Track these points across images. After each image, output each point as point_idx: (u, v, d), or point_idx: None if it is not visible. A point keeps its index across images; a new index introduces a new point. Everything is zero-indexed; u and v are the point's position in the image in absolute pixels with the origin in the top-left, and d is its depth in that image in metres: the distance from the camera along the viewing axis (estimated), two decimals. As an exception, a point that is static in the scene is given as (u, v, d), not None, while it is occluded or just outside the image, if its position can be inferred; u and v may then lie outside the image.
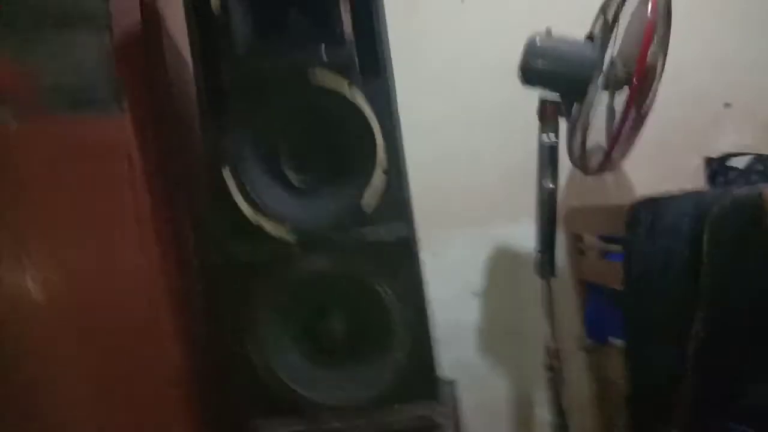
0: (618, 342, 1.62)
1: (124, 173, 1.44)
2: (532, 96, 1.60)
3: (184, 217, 1.51)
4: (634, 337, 1.41)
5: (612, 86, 1.55)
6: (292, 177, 1.40)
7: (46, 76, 1.45)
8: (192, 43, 1.39)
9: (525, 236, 1.80)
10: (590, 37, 1.64)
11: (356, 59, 1.34)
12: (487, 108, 1.96)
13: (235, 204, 1.35)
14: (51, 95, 1.44)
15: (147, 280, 1.45)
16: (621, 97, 1.52)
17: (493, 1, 1.96)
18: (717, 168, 1.92)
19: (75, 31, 1.46)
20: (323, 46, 1.33)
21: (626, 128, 1.44)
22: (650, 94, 1.53)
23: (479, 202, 1.96)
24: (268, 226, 1.35)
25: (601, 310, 1.74)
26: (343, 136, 1.36)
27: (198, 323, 1.54)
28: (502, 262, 1.98)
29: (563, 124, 1.63)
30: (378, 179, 1.34)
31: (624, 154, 1.60)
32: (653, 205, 1.32)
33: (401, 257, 1.36)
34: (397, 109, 1.37)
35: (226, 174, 1.35)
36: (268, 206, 1.36)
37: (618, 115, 1.45)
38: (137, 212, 1.45)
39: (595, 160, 1.58)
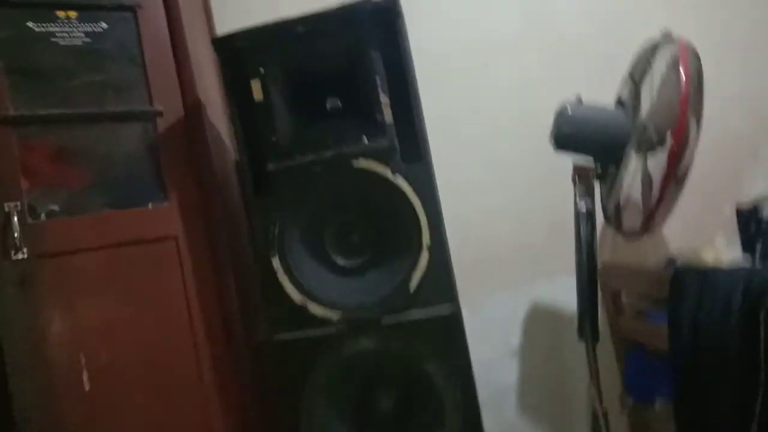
0: (665, 401, 1.62)
1: (172, 258, 1.48)
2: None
3: (233, 299, 1.54)
4: (688, 398, 1.41)
5: (645, 149, 1.57)
6: (338, 260, 1.43)
7: (95, 167, 1.51)
8: (235, 134, 1.43)
9: (564, 294, 1.81)
10: (619, 101, 1.66)
11: (397, 145, 1.37)
12: (523, 167, 1.96)
13: (283, 288, 1.39)
14: (99, 188, 1.50)
15: (195, 357, 1.49)
16: (654, 159, 1.53)
17: (520, 63, 1.99)
18: (748, 217, 1.92)
19: (121, 124, 1.52)
20: (365, 133, 1.37)
21: (667, 194, 1.45)
22: (686, 156, 1.55)
23: (518, 260, 1.96)
24: (316, 309, 1.38)
25: (644, 368, 1.74)
26: (387, 219, 1.40)
27: (246, 400, 1.56)
28: (542, 320, 1.97)
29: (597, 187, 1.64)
30: (423, 260, 1.36)
31: (664, 218, 1.61)
32: (700, 276, 1.33)
33: (448, 336, 1.38)
34: (437, 190, 1.40)
35: (274, 260, 1.39)
36: (315, 289, 1.39)
37: (657, 182, 1.46)
38: (186, 294, 1.49)
39: (632, 224, 1.59)
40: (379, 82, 1.37)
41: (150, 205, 1.47)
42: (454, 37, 1.96)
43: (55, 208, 1.48)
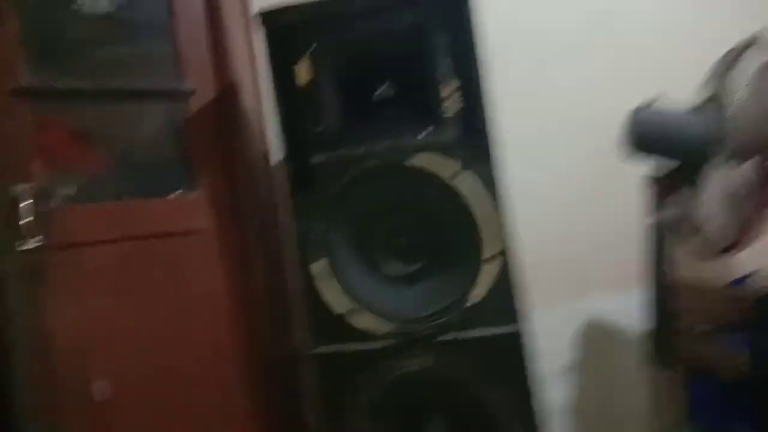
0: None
1: (198, 254, 1.33)
2: (628, 162, 1.47)
3: (263, 304, 1.39)
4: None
5: (729, 159, 1.41)
6: (388, 267, 1.27)
7: (116, 150, 1.36)
8: (277, 120, 1.27)
9: (620, 311, 1.66)
10: (699, 106, 1.50)
11: (461, 140, 1.21)
12: (580, 172, 1.81)
13: (323, 295, 1.23)
14: (120, 173, 1.35)
15: (217, 366, 1.34)
16: (739, 170, 1.38)
17: (579, 63, 1.83)
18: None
19: (148, 103, 1.37)
20: (423, 127, 1.22)
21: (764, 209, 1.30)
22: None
23: (573, 273, 1.80)
24: (361, 321, 1.23)
25: (714, 396, 1.58)
26: (446, 225, 1.24)
27: (274, 417, 1.41)
28: (596, 337, 1.82)
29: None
30: (485, 274, 1.20)
31: (758, 235, 1.45)
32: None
33: (510, 361, 1.22)
34: (504, 197, 1.24)
35: (315, 264, 1.23)
36: (360, 299, 1.23)
37: (750, 197, 1.30)
38: (211, 295, 1.33)
39: (718, 241, 1.43)
40: (442, 69, 1.21)
41: (175, 195, 1.32)
42: (512, 28, 1.79)
43: (71, 192, 1.33)
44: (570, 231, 1.79)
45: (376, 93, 1.27)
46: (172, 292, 1.30)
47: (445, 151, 1.21)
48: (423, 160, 1.21)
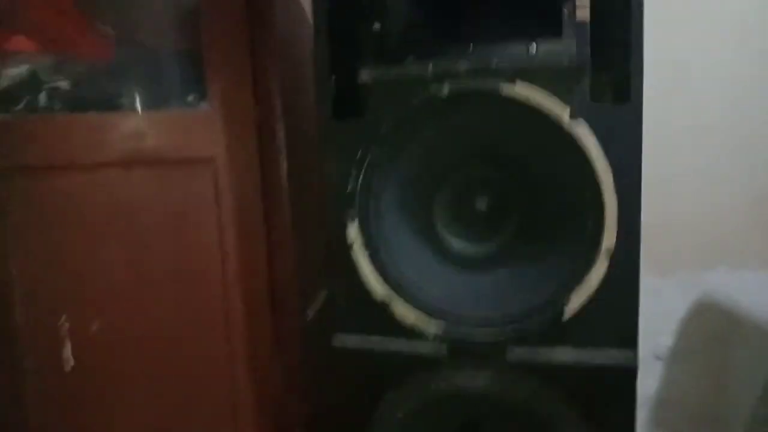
0: None
1: (207, 189, 1.01)
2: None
3: (288, 262, 1.06)
4: None
5: None
6: (453, 242, 0.89)
7: (116, 33, 1.02)
8: (314, 15, 0.87)
9: (743, 290, 1.29)
10: None
11: (589, 67, 0.77)
12: (716, 125, 1.34)
13: (358, 271, 0.88)
14: (118, 68, 1.02)
15: (225, 334, 1.06)
16: None
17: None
18: None
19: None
20: (534, 38, 0.78)
21: None
22: None
23: (691, 242, 1.37)
24: (405, 312, 0.88)
25: None
26: (548, 190, 0.83)
27: (289, 400, 1.13)
28: (706, 319, 1.40)
29: None
30: (597, 272, 0.80)
31: None
32: None
33: (611, 399, 0.84)
34: (641, 159, 0.80)
35: (351, 226, 0.87)
36: (408, 281, 0.88)
37: None
38: (221, 245, 1.03)
39: None
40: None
41: (181, 107, 0.99)
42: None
43: (65, 85, 1.03)
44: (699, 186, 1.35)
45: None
46: (169, 237, 1.00)
47: (562, 80, 0.77)
48: (528, 90, 0.78)
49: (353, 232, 0.87)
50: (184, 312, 1.00)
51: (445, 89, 0.80)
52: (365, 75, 0.83)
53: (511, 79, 0.78)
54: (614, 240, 0.79)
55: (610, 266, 0.80)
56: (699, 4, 1.32)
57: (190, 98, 0.98)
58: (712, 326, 1.43)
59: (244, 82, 0.99)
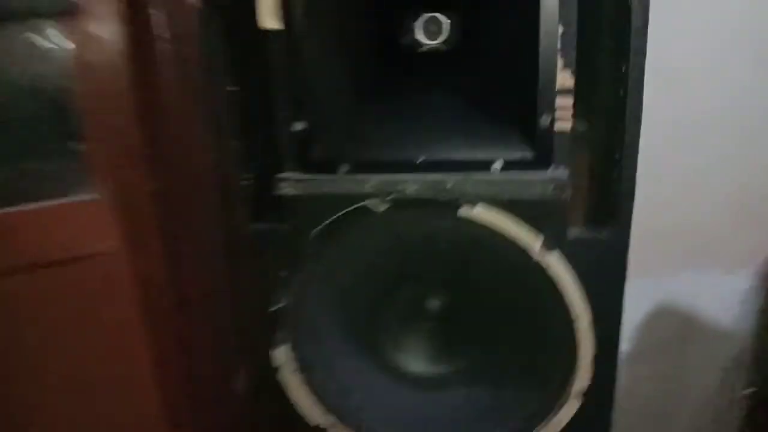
0: None
1: (96, 291, 0.82)
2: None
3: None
4: None
5: None
6: (406, 362, 0.76)
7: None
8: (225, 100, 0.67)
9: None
10: None
11: (567, 193, 0.61)
12: (719, 117, 1.21)
13: (295, 397, 0.75)
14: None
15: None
16: None
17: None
18: None
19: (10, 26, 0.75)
20: (500, 147, 0.62)
21: None
22: None
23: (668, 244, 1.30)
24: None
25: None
26: (513, 317, 0.70)
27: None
28: (665, 324, 1.36)
29: None
30: (568, 409, 0.70)
31: None
32: None
33: None
34: (623, 294, 0.67)
35: (279, 351, 0.73)
36: (353, 408, 0.75)
37: None
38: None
39: None
40: (559, 45, 0.56)
41: (64, 199, 0.78)
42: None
43: None
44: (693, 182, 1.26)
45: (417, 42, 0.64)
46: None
47: (536, 205, 0.62)
48: (491, 215, 0.63)
49: (282, 355, 0.73)
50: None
51: (387, 205, 0.64)
52: (286, 186, 0.65)
53: (472, 199, 0.62)
54: (587, 382, 0.68)
55: (582, 406, 0.69)
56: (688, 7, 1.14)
57: (73, 189, 0.77)
58: (667, 331, 1.40)
59: (136, 166, 0.78)
